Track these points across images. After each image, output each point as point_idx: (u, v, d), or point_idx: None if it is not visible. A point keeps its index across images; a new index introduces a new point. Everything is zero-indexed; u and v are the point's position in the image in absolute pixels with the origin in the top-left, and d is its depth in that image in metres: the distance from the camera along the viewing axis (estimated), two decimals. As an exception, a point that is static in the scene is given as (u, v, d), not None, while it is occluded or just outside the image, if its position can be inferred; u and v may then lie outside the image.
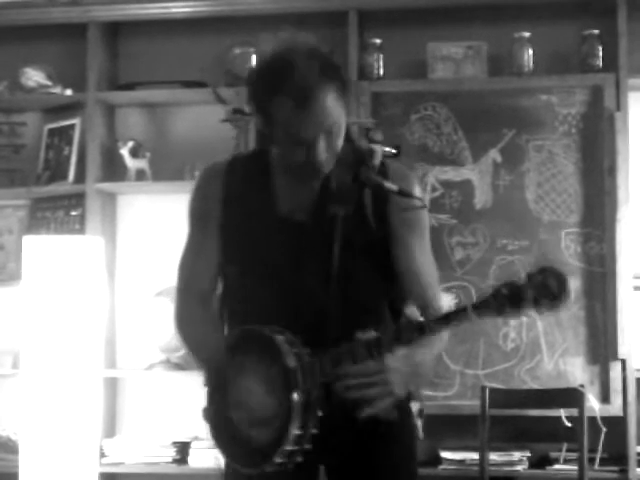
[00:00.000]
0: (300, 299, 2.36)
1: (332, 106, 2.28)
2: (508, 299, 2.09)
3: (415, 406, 2.50)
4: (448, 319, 2.18)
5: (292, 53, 2.30)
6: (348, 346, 2.24)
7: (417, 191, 2.45)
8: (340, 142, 2.36)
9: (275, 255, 2.41)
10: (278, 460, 2.25)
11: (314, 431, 2.25)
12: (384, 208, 2.43)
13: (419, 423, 2.50)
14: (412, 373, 2.31)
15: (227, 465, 2.49)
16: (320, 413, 2.26)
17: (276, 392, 2.26)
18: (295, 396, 2.22)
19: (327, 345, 2.26)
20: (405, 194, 2.40)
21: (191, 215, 2.56)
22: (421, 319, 2.20)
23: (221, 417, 2.36)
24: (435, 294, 2.46)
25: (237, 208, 2.47)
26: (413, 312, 2.22)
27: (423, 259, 2.46)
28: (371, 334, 2.22)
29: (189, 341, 2.54)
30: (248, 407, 2.30)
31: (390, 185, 2.39)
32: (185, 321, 2.54)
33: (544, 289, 2.07)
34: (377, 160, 2.42)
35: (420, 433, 2.51)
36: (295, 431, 2.22)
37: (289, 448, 2.23)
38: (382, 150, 2.49)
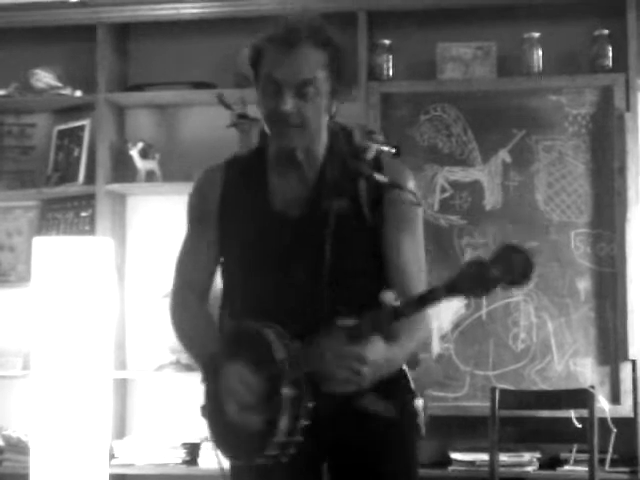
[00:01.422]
0: (293, 294, 2.38)
1: (313, 67, 2.35)
2: (476, 279, 2.10)
3: (419, 403, 2.50)
4: (421, 302, 2.20)
5: (299, 13, 2.45)
6: (327, 333, 2.24)
7: (411, 186, 2.47)
8: (317, 115, 2.39)
9: (269, 251, 2.44)
10: (271, 452, 2.27)
11: (305, 422, 2.27)
12: (379, 201, 2.44)
13: (422, 420, 2.50)
14: (383, 367, 2.29)
15: (232, 465, 2.52)
16: (311, 404, 2.27)
17: (266, 384, 2.28)
18: (284, 387, 2.25)
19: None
20: (396, 186, 2.41)
21: (190, 214, 2.61)
22: (395, 304, 2.21)
23: (216, 411, 2.39)
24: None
25: (234, 206, 2.50)
26: (388, 297, 2.22)
27: (410, 256, 2.46)
28: (350, 322, 2.23)
29: (184, 337, 2.57)
30: (240, 400, 2.33)
31: (380, 177, 2.41)
32: (181, 317, 2.57)
33: (509, 267, 2.08)
34: (370, 154, 2.44)
35: (423, 431, 2.50)
36: (285, 423, 2.25)
37: (280, 440, 2.25)
38: (379, 148, 2.50)
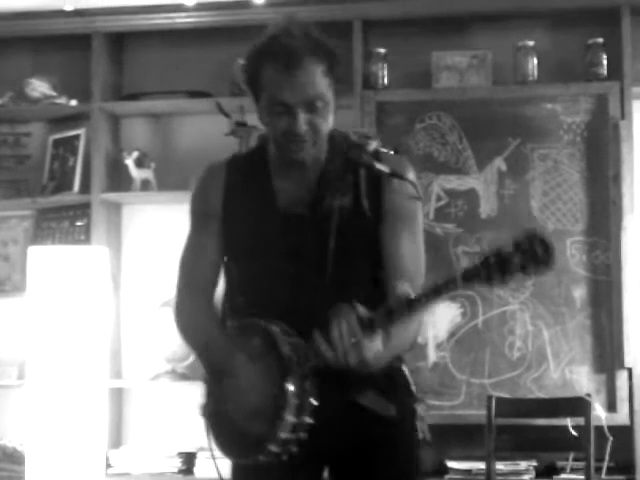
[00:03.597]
0: (298, 291, 2.38)
1: (318, 80, 2.33)
2: (496, 266, 2.07)
3: (420, 409, 2.50)
4: (438, 290, 2.15)
5: (288, 25, 2.37)
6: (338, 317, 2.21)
7: (412, 178, 2.45)
8: (327, 125, 2.38)
9: (275, 249, 2.43)
10: (273, 449, 2.27)
11: (309, 420, 2.27)
12: (378, 193, 2.43)
13: (424, 426, 2.50)
14: (385, 357, 2.27)
15: (233, 466, 2.51)
16: (315, 402, 2.27)
17: (271, 381, 2.29)
18: (289, 383, 2.25)
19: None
20: (397, 176, 2.40)
21: (192, 213, 2.59)
22: (411, 294, 2.18)
23: (218, 410, 2.39)
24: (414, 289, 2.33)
25: (238, 204, 2.50)
26: (403, 287, 2.20)
27: (408, 251, 2.44)
28: (364, 312, 2.18)
29: (188, 334, 2.56)
30: (244, 397, 2.33)
31: (381, 166, 2.40)
32: (185, 315, 2.56)
33: (530, 254, 2.06)
34: (371, 147, 2.43)
35: (427, 435, 2.50)
36: (290, 418, 2.25)
37: (284, 436, 2.26)
38: (379, 144, 2.49)
